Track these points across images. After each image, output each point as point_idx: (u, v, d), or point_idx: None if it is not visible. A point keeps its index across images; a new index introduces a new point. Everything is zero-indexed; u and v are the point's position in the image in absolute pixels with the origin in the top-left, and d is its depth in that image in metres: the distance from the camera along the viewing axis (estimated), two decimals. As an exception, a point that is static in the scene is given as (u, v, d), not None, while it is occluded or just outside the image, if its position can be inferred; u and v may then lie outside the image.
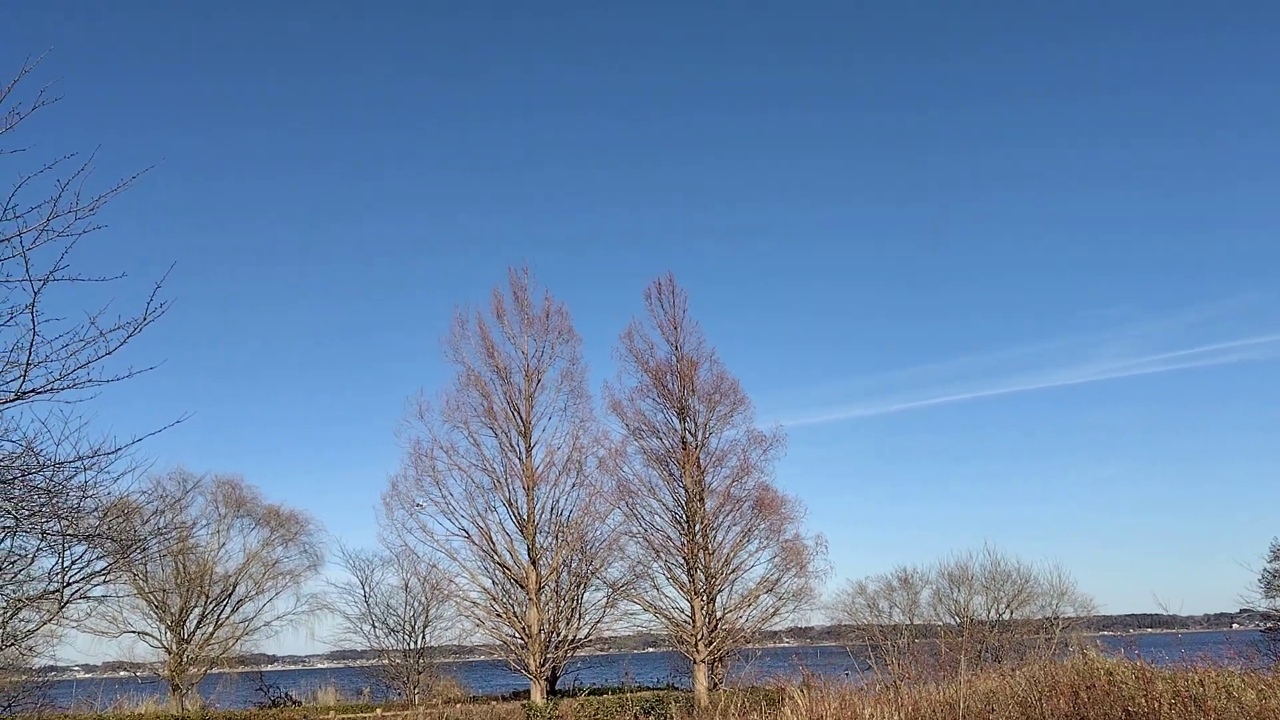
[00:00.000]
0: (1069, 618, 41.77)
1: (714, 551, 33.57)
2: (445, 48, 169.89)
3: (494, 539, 31.04)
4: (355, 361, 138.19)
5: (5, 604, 20.80)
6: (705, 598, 33.12)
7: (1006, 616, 41.58)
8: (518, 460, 31.45)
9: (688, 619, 33.06)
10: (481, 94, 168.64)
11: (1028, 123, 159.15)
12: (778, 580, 34.13)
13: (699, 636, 32.59)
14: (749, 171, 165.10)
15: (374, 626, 45.54)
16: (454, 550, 31.32)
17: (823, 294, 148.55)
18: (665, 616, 33.42)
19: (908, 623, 42.62)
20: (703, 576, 33.14)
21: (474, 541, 31.09)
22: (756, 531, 33.92)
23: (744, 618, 34.10)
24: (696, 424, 34.24)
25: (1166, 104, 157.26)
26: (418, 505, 30.86)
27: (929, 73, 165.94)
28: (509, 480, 31.29)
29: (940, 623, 42.27)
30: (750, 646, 37.76)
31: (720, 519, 33.66)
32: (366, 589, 45.58)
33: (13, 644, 22.67)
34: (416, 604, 45.05)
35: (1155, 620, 65.39)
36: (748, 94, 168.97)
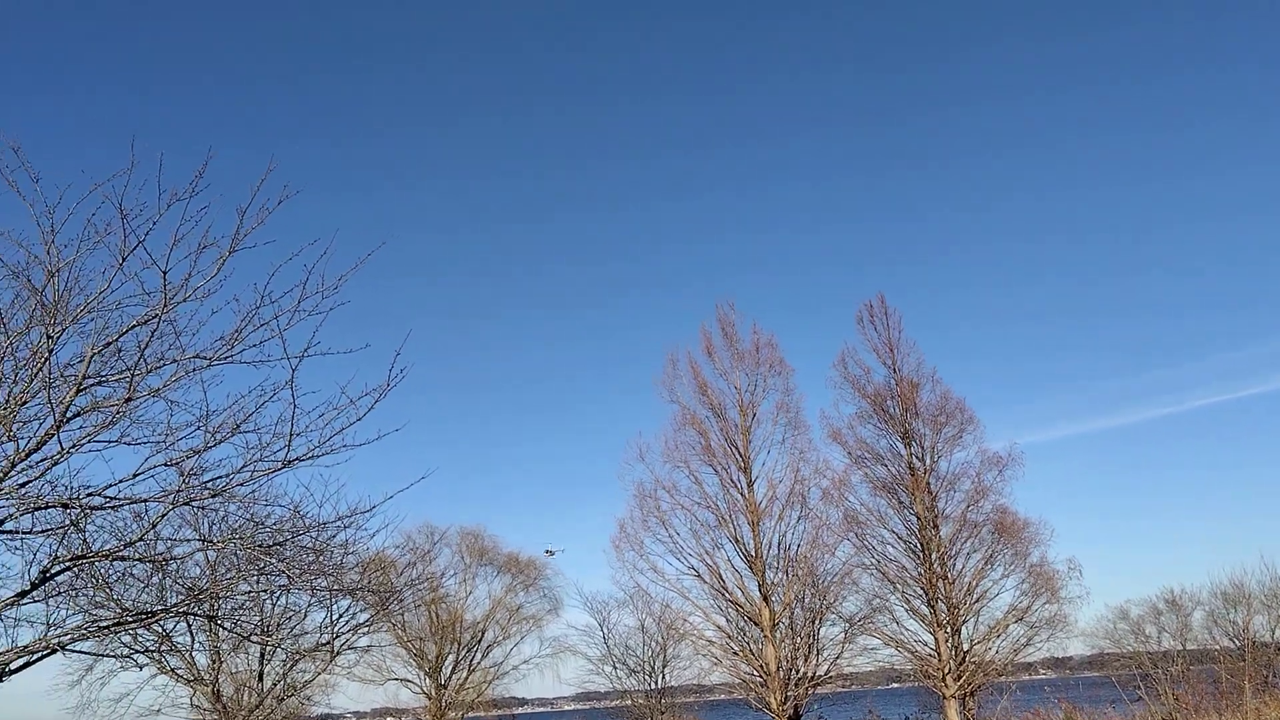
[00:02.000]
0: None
1: (954, 580, 32.08)
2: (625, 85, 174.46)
3: (724, 576, 31.03)
4: (574, 402, 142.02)
5: (285, 656, 22.73)
6: (949, 629, 31.66)
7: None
8: (740, 496, 31.39)
9: (932, 652, 31.69)
10: (671, 121, 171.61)
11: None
12: (1028, 608, 32.18)
13: (946, 670, 31.15)
14: (949, 177, 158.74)
15: (615, 667, 46.43)
16: (685, 589, 31.54)
17: (1048, 297, 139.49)
18: (908, 650, 32.17)
19: (1179, 648, 39.04)
20: (944, 607, 31.71)
21: (704, 580, 31.19)
22: (999, 557, 32.20)
23: (993, 649, 32.30)
24: (923, 448, 33.02)
25: None
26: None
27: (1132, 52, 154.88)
28: (733, 516, 31.27)
29: (1217, 647, 38.46)
30: (1003, 680, 35.71)
31: (958, 546, 32.19)
32: (605, 631, 46.58)
33: (293, 694, 24.71)
34: (654, 644, 45.61)
35: None
36: (953, 91, 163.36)
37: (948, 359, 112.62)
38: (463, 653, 44.57)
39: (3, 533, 8.03)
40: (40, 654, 8.13)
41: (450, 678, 44.09)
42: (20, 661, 8.04)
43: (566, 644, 47.68)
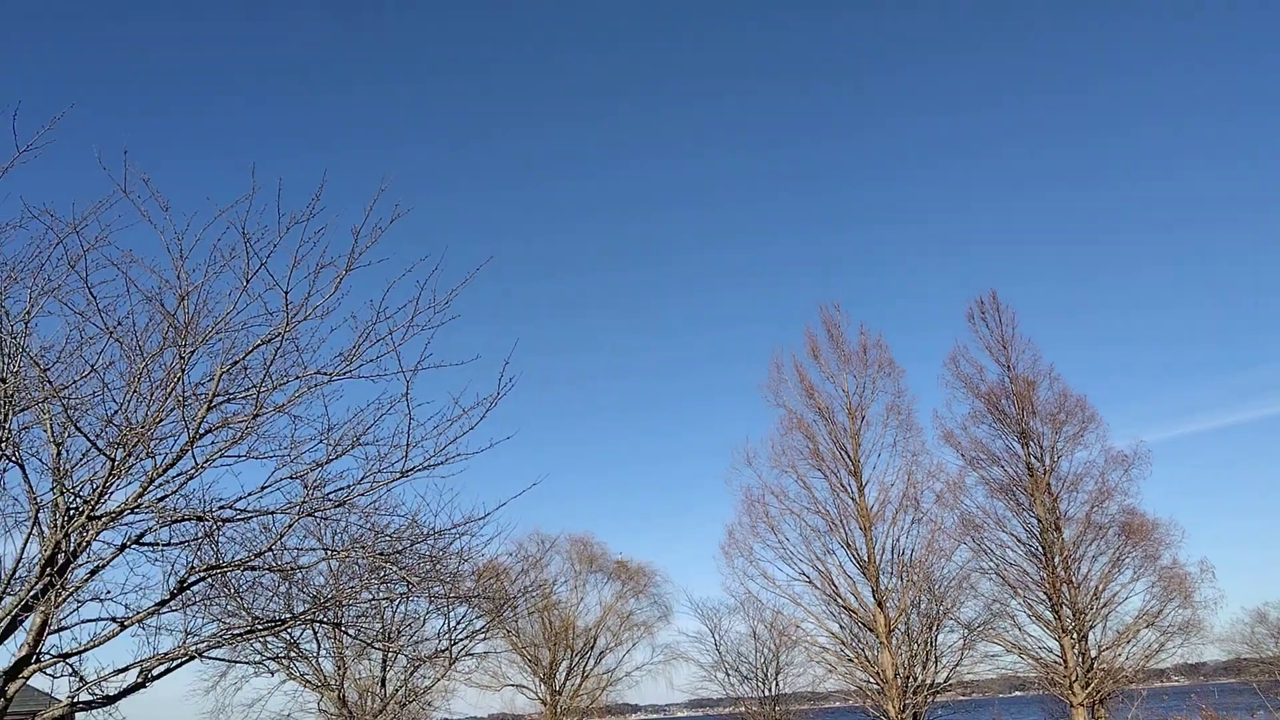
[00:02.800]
0: None
1: (1079, 585, 30.90)
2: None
3: (836, 582, 30.59)
4: (677, 406, 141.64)
5: (406, 662, 23.32)
6: (1075, 635, 30.50)
7: None
8: (850, 500, 30.90)
9: (1057, 659, 30.59)
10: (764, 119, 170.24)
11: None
12: (1158, 612, 30.82)
13: (1073, 678, 30.02)
14: (1060, 162, 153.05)
15: (727, 674, 46.13)
16: (796, 595, 31.23)
17: (1175, 285, 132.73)
18: (1031, 657, 31.14)
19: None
20: (1070, 612, 30.57)
21: (816, 586, 30.81)
22: (1127, 560, 30.93)
23: (1123, 655, 31.00)
24: (1042, 448, 31.95)
25: None
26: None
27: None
28: (844, 521, 30.81)
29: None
30: (1133, 687, 34.23)
31: (1082, 549, 31.02)
32: (716, 637, 46.34)
33: (414, 699, 25.33)
34: (766, 651, 45.18)
35: None
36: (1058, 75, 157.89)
37: (1065, 354, 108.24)
38: (576, 659, 45.01)
39: (143, 545, 8.45)
40: (180, 660, 8.52)
41: (564, 684, 44.56)
42: (161, 668, 8.44)
43: (678, 650, 47.67)
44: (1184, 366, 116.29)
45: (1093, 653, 30.80)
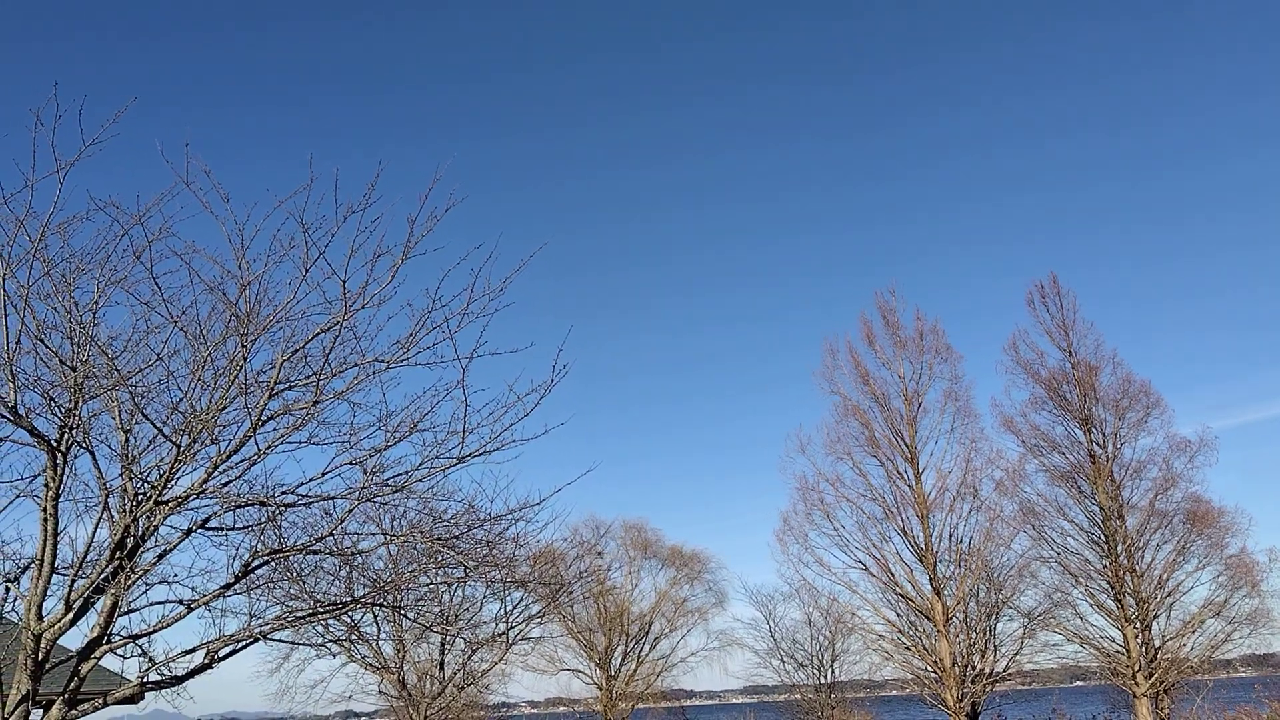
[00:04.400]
0: None
1: (1143, 574, 30.26)
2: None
3: (892, 570, 30.32)
4: (731, 392, 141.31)
5: (464, 646, 23.63)
6: (1139, 625, 29.89)
7: None
8: (907, 488, 30.58)
9: (1120, 649, 30.01)
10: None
11: None
12: (1225, 602, 30.03)
13: (1136, 668, 29.44)
14: (1121, 146, 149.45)
15: (783, 661, 46.04)
16: (852, 583, 31.01)
17: (1241, 269, 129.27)
18: (1093, 647, 30.56)
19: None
20: (1133, 601, 29.95)
21: (872, 573, 30.58)
22: (1192, 549, 30.17)
23: (1188, 645, 30.28)
24: (1104, 435, 31.26)
25: None
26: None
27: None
28: (901, 509, 30.50)
29: None
30: (1199, 678, 33.45)
31: (1146, 537, 30.33)
32: (771, 624, 46.25)
33: (472, 682, 25.68)
34: (821, 638, 44.99)
35: None
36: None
37: (1129, 339, 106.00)
38: (631, 644, 45.22)
39: (208, 529, 8.65)
40: (245, 642, 8.71)
41: (619, 669, 44.81)
42: (227, 649, 8.63)
43: (733, 637, 47.72)
44: (1252, 351, 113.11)
45: (1156, 643, 30.16)
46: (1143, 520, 30.26)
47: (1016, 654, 31.32)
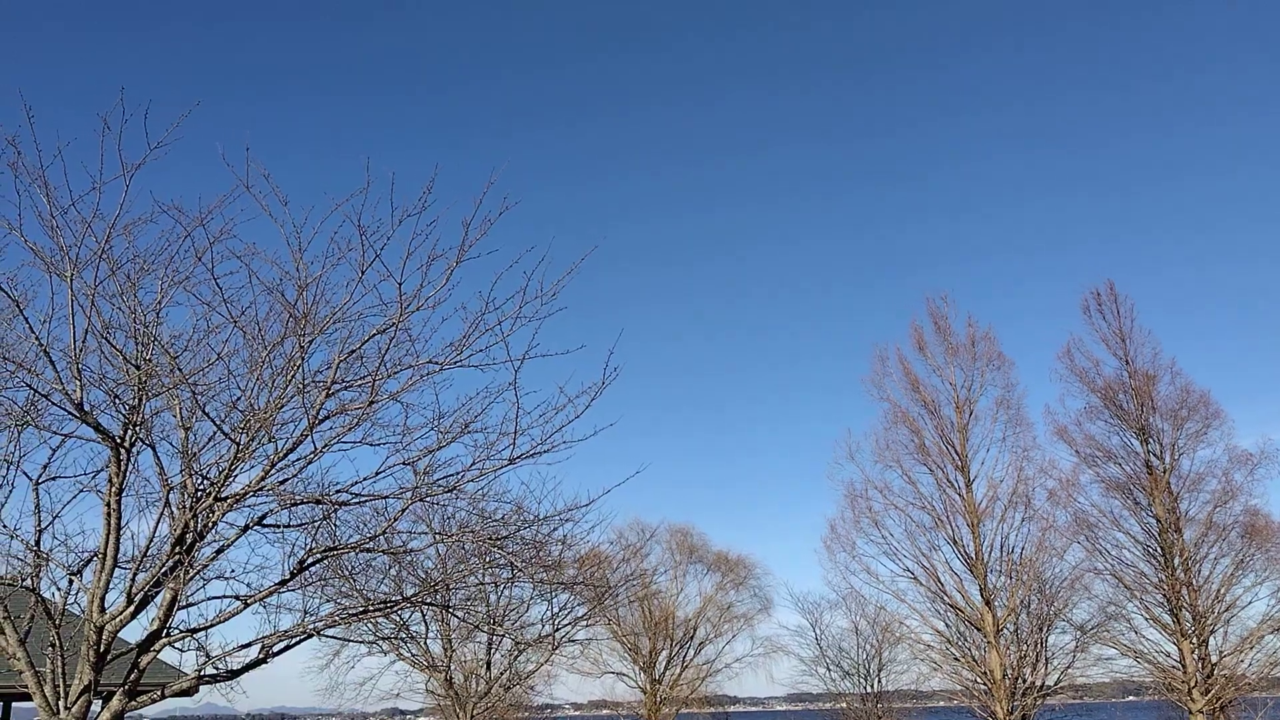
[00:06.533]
0: None
1: (1200, 588, 29.54)
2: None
3: (942, 579, 29.91)
4: (779, 400, 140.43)
5: (511, 646, 23.75)
6: (1195, 640, 29.19)
7: None
8: (957, 496, 30.17)
9: (1176, 664, 29.32)
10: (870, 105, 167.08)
11: None
12: (1286, 618, 29.25)
13: (1191, 684, 28.74)
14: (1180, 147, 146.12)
15: (828, 669, 45.65)
16: (901, 592, 30.64)
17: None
18: (1148, 662, 29.90)
19: None
20: (1189, 616, 29.26)
21: (920, 582, 30.18)
22: (1251, 563, 29.41)
23: (1246, 662, 29.53)
24: (1162, 445, 30.58)
25: None
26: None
27: None
28: (950, 517, 30.09)
29: None
30: (1257, 695, 32.60)
31: (1204, 550, 29.61)
32: (817, 631, 45.88)
33: (518, 683, 25.78)
34: (868, 647, 44.53)
35: None
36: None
37: (1189, 348, 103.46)
38: (675, 649, 45.13)
39: (265, 526, 8.81)
40: (298, 638, 8.85)
41: (664, 673, 44.74)
42: (281, 645, 8.78)
43: (778, 644, 47.37)
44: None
45: (1213, 658, 29.43)
46: (1200, 533, 29.56)
47: (1068, 667, 30.74)
